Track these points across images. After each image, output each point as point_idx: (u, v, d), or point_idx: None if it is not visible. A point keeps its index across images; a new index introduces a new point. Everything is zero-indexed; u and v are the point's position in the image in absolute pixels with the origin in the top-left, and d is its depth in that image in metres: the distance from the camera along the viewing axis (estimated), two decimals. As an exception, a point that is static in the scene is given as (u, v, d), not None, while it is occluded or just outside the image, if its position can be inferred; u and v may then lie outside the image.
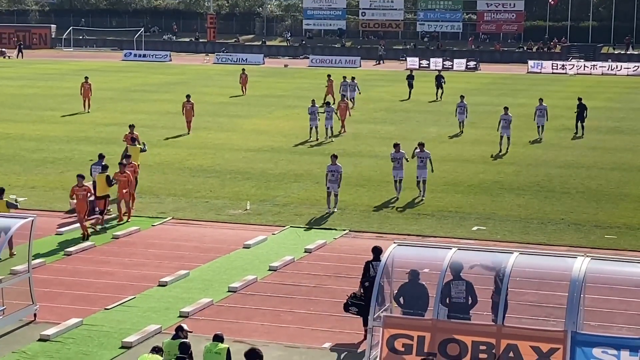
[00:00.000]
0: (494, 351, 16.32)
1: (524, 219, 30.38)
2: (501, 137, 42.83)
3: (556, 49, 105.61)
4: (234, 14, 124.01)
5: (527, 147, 43.72)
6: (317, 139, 44.86)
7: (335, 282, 23.47)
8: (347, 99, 56.55)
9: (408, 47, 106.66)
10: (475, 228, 29.23)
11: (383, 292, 17.64)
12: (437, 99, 63.02)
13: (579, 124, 48.70)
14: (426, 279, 17.80)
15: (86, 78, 56.01)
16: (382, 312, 17.42)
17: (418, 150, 32.83)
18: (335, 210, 30.48)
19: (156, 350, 15.46)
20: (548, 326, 17.57)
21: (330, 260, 25.44)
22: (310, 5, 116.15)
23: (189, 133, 46.14)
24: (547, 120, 46.87)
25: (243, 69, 68.09)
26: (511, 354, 16.24)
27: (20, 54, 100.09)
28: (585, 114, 48.62)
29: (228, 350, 15.90)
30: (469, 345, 16.48)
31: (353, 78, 59.15)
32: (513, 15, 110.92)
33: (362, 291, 19.50)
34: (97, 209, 28.74)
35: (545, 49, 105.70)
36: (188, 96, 47.98)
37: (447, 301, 17.27)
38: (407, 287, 17.82)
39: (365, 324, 18.68)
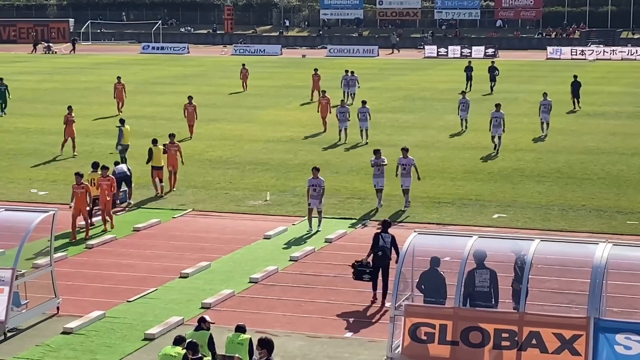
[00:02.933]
0: (516, 339, 16.29)
1: (545, 206, 30.27)
2: (492, 136, 39.40)
3: (575, 34, 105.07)
4: (251, 5, 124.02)
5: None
6: (346, 141, 41.38)
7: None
8: (348, 94, 54.10)
9: (425, 35, 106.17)
10: (495, 216, 29.15)
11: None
12: (491, 92, 59.38)
13: (575, 100, 51.88)
14: (447, 267, 17.78)
15: (119, 78, 52.31)
16: (403, 300, 17.43)
17: (401, 156, 29.89)
18: (320, 229, 27.41)
19: (178, 340, 15.49)
20: (570, 313, 17.50)
21: (351, 249, 25.38)
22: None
23: (190, 137, 42.47)
24: (550, 115, 43.51)
25: (243, 64, 64.62)
26: (534, 341, 16.21)
27: (73, 49, 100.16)
28: (579, 90, 51.91)
29: (250, 340, 15.93)
30: (492, 333, 16.46)
31: (352, 72, 56.18)
32: (531, 2, 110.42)
33: (368, 260, 21.45)
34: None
35: (564, 35, 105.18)
36: (190, 97, 43.67)
37: (471, 290, 17.22)
38: (427, 275, 17.81)
39: (375, 287, 21.38)
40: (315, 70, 57.42)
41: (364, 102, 42.63)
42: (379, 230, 21.81)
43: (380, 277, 21.35)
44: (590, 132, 44.82)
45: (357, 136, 41.70)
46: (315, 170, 27.59)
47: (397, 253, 20.53)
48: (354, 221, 28.58)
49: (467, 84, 61.42)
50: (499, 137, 39.29)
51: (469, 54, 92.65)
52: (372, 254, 21.46)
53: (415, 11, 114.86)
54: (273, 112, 52.14)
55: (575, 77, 52.96)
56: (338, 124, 41.92)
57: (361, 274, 21.44)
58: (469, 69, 62.40)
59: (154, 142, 32.96)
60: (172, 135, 33.08)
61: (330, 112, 44.49)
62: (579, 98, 52.02)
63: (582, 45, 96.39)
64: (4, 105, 50.59)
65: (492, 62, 64.51)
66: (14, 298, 19.54)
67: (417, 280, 17.95)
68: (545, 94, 44.57)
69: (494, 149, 39.23)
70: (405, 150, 30.09)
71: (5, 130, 46.08)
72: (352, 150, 40.16)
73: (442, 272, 17.69)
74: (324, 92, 46.63)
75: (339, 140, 41.69)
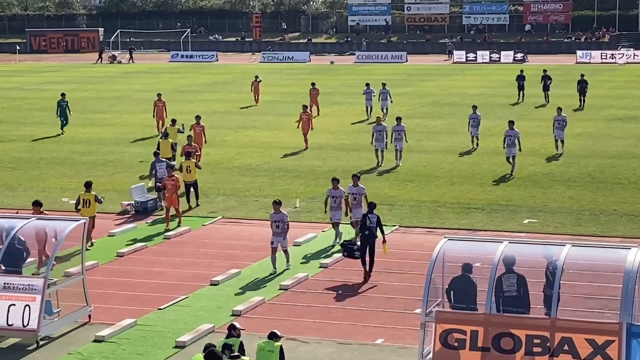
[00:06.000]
0: (548, 344, 16.19)
1: (576, 211, 30.09)
2: (507, 157, 35.68)
3: (605, 38, 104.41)
4: (279, 12, 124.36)
5: (577, 138, 43.22)
6: (381, 164, 37.47)
7: (386, 277, 23.45)
8: (373, 108, 50.73)
9: (448, 42, 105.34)
10: (526, 221, 29.00)
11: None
12: (546, 103, 55.73)
13: (581, 98, 53.75)
14: (478, 273, 17.71)
15: (159, 95, 47.94)
16: (434, 307, 17.37)
17: (351, 184, 26.75)
18: (289, 267, 24.47)
19: (208, 348, 15.50)
20: (603, 318, 17.38)
21: (381, 256, 25.33)
22: (355, 1, 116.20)
23: (199, 161, 36.78)
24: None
25: (256, 76, 60.22)
26: (566, 347, 16.11)
27: (131, 58, 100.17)
28: (585, 89, 53.89)
29: (281, 347, 15.93)
30: (523, 339, 16.37)
31: (384, 84, 51.86)
32: (560, 6, 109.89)
33: (357, 240, 23.85)
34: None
35: (594, 39, 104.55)
36: (198, 117, 39.83)
37: (500, 294, 17.15)
38: (457, 281, 17.73)
39: (364, 262, 23.43)
40: (313, 84, 53.88)
41: (398, 120, 38.23)
42: (366, 212, 24.00)
43: (367, 254, 23.49)
44: (621, 136, 44.51)
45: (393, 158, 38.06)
46: (276, 204, 24.52)
47: (382, 232, 23.61)
48: (383, 227, 28.38)
49: (519, 93, 57.52)
50: (514, 157, 35.49)
51: (497, 59, 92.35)
52: (360, 234, 23.74)
53: (443, 16, 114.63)
54: (302, 119, 52.09)
55: (582, 75, 54.95)
56: (374, 145, 37.53)
57: (352, 251, 23.74)
58: (520, 78, 57.57)
59: (165, 135, 33.87)
60: (171, 167, 30.02)
61: (312, 129, 42.17)
62: (585, 96, 53.98)
63: (612, 49, 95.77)
64: (64, 122, 47.82)
65: (545, 70, 58.53)
66: (46, 306, 19.68)
67: (447, 287, 17.88)
68: (559, 109, 40.25)
69: (511, 170, 35.55)
70: (356, 177, 26.99)
71: (37, 139, 46.43)
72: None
73: (473, 279, 17.60)
74: (305, 106, 43.44)
75: (377, 164, 37.49)
